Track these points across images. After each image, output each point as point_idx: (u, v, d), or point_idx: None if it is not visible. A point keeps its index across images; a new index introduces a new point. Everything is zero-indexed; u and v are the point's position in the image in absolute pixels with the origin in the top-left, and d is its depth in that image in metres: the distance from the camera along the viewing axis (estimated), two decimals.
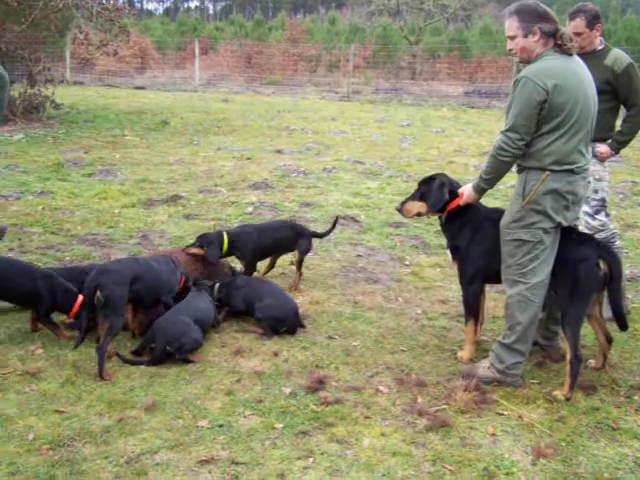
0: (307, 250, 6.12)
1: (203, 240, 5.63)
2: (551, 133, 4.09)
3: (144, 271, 4.77)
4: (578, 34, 5.22)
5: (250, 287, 5.34)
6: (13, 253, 6.57)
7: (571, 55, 4.18)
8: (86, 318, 4.53)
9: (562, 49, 4.14)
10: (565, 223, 4.24)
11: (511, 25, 4.21)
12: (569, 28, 5.25)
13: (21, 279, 4.85)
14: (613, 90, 5.32)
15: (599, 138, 5.29)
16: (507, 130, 4.11)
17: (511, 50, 4.29)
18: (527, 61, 4.23)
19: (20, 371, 4.38)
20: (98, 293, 4.39)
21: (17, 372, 4.38)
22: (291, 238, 6.03)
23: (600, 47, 5.40)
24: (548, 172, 4.11)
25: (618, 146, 5.44)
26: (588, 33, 5.32)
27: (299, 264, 6.07)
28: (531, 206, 4.17)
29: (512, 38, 4.22)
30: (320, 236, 6.45)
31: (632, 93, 5.31)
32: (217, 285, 5.35)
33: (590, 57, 5.13)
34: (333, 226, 6.37)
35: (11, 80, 6.24)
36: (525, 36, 4.16)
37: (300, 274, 6.08)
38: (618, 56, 5.33)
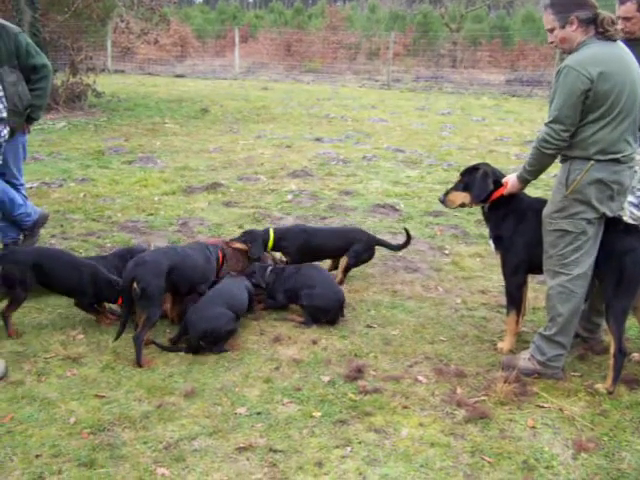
0: (355, 257, 5.84)
1: (248, 236, 5.62)
2: (596, 122, 3.99)
3: (181, 260, 4.76)
4: (628, 19, 5.06)
5: (299, 274, 5.25)
6: (55, 239, 6.66)
7: (615, 41, 4.07)
8: (126, 310, 4.54)
9: (604, 35, 4.03)
10: (610, 214, 4.14)
11: (547, 18, 4.11)
12: (619, 12, 5.10)
13: (67, 272, 4.88)
14: None
15: None
16: (551, 121, 4.03)
17: (552, 42, 4.19)
18: (570, 51, 4.13)
19: (62, 356, 4.43)
20: (135, 285, 4.40)
21: (59, 357, 4.43)
22: (341, 247, 5.86)
23: None
24: (593, 162, 4.02)
25: None
26: (639, 17, 5.15)
27: (342, 268, 5.87)
28: (574, 196, 4.09)
29: (551, 31, 4.12)
30: (393, 248, 6.20)
31: None
32: (269, 269, 5.31)
33: (636, 44, 5.00)
34: (407, 239, 6.13)
35: (54, 69, 6.30)
36: (563, 27, 4.05)
37: (341, 278, 5.86)
38: None
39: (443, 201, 4.94)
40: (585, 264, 4.17)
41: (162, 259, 4.64)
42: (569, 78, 3.94)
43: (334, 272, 5.90)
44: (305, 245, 5.79)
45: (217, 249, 5.23)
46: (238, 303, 4.84)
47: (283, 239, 5.76)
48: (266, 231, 5.76)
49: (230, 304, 4.72)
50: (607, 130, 3.98)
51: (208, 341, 4.52)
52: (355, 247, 5.83)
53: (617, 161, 4.02)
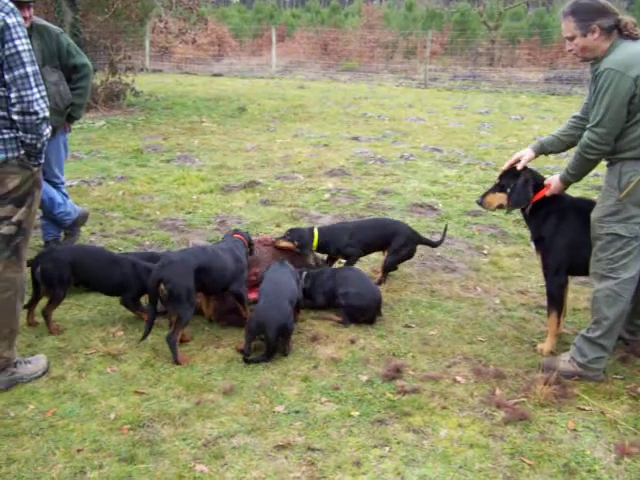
0: (396, 252, 5.81)
1: (294, 234, 5.62)
2: None
3: (210, 260, 4.65)
4: None
5: (336, 276, 5.25)
6: (95, 237, 6.74)
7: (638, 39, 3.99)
8: (152, 312, 4.51)
9: (630, 37, 3.96)
10: None
11: (568, 26, 4.05)
12: None
13: (107, 268, 4.92)
14: None
15: None
16: (594, 125, 3.96)
17: (571, 51, 4.13)
18: (592, 59, 4.06)
19: (102, 352, 4.48)
20: (162, 287, 4.38)
21: (99, 353, 4.48)
22: (382, 238, 5.86)
23: None
24: None
25: None
26: None
27: (383, 265, 5.85)
28: (630, 199, 3.99)
29: (571, 39, 4.07)
30: (432, 244, 6.16)
31: None
32: (304, 274, 5.30)
33: None
34: (443, 235, 6.15)
35: (94, 69, 6.37)
36: (584, 35, 3.99)
37: (382, 275, 5.85)
38: None
39: (481, 203, 4.89)
40: (634, 269, 4.09)
41: (190, 259, 4.55)
42: (612, 80, 3.86)
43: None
44: (350, 242, 5.77)
45: (242, 243, 5.13)
46: (296, 296, 4.83)
47: (328, 237, 5.77)
48: (311, 230, 5.77)
49: (290, 298, 4.70)
50: None
51: (286, 335, 4.49)
52: (394, 240, 5.80)
53: None
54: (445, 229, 6.17)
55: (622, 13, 4.04)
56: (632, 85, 3.82)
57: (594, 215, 4.20)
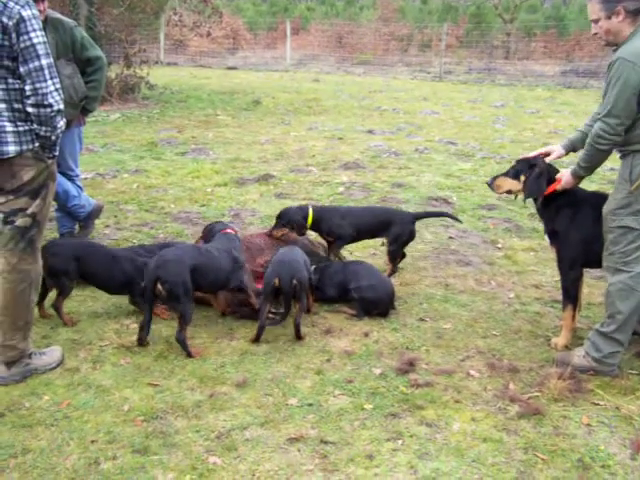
0: (396, 239, 5.76)
1: (285, 219, 5.58)
2: None
3: (204, 262, 4.59)
4: None
5: (346, 270, 5.25)
6: (109, 230, 6.76)
7: None
8: (148, 311, 4.45)
9: None
10: None
11: (593, 8, 4.01)
12: None
13: (110, 265, 4.91)
14: None
15: None
16: (605, 115, 3.94)
17: (596, 34, 4.09)
18: (614, 44, 4.02)
19: (116, 344, 4.50)
20: (159, 287, 4.34)
21: (113, 345, 4.50)
22: (377, 225, 5.82)
23: None
24: None
25: None
26: None
27: (388, 255, 5.80)
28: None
29: (596, 21, 4.03)
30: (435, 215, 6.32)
31: None
32: (312, 267, 5.26)
33: None
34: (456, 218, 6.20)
35: (108, 62, 6.38)
36: (608, 17, 3.95)
37: (392, 266, 5.79)
38: None
39: (490, 184, 4.89)
40: None
41: (184, 257, 4.48)
42: (623, 70, 3.84)
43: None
44: (348, 225, 5.74)
45: (237, 238, 5.09)
46: (308, 264, 4.95)
47: (322, 217, 5.72)
48: (302, 207, 5.73)
49: (303, 258, 4.88)
50: None
51: (299, 289, 4.65)
52: (392, 228, 5.76)
53: None
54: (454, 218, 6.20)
55: None
56: None
57: (606, 208, 4.17)
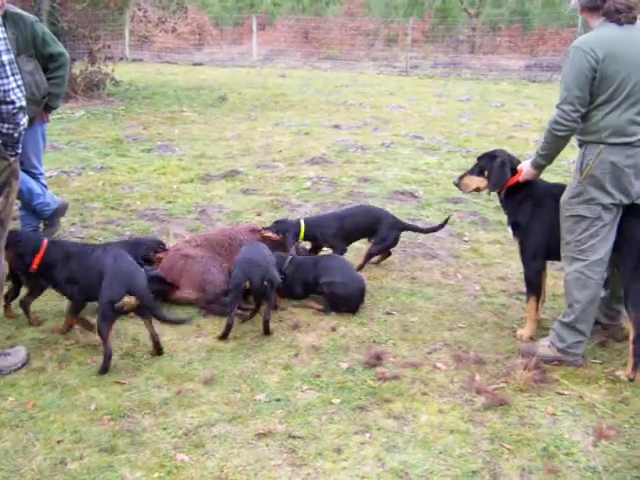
0: (382, 241, 5.83)
1: (281, 226, 5.62)
2: (605, 105, 3.99)
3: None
4: None
5: (318, 266, 5.24)
6: (75, 228, 6.70)
7: (632, 24, 4.02)
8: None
9: (612, 21, 4.00)
10: (626, 200, 4.10)
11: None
12: None
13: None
14: None
15: None
16: (561, 103, 4.04)
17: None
18: None
19: (82, 343, 4.46)
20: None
21: (79, 344, 4.46)
22: (368, 226, 5.87)
23: None
24: (603, 145, 4.01)
25: None
26: None
27: (367, 253, 5.85)
28: (589, 181, 4.07)
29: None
30: (426, 231, 6.18)
31: None
32: (289, 258, 5.29)
33: None
34: (444, 223, 6.11)
35: (72, 58, 6.32)
36: (578, 9, 4.16)
37: (363, 262, 5.84)
38: None
39: (458, 184, 4.95)
40: (602, 250, 4.15)
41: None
42: (576, 58, 3.97)
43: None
44: (338, 232, 5.77)
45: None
46: (275, 261, 4.94)
47: (315, 230, 5.75)
48: (298, 222, 5.76)
49: (270, 256, 4.91)
50: (616, 113, 3.97)
51: (269, 287, 4.64)
52: (381, 230, 5.81)
53: (630, 145, 3.99)
54: (446, 220, 6.14)
55: None
56: (594, 64, 3.91)
57: (562, 198, 4.28)
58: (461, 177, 4.93)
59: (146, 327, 4.32)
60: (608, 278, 4.73)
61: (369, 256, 5.86)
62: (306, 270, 5.23)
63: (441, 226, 6.07)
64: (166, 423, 3.63)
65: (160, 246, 5.45)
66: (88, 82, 15.42)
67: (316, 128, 12.47)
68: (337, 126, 12.72)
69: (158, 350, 4.33)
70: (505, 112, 14.95)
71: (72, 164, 9.26)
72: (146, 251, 5.24)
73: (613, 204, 4.08)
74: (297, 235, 5.66)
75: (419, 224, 6.61)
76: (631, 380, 4.11)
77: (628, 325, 4.26)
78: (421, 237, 6.48)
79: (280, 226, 5.63)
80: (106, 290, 4.13)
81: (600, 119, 4.00)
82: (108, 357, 4.10)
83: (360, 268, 5.76)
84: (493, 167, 4.65)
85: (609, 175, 4.02)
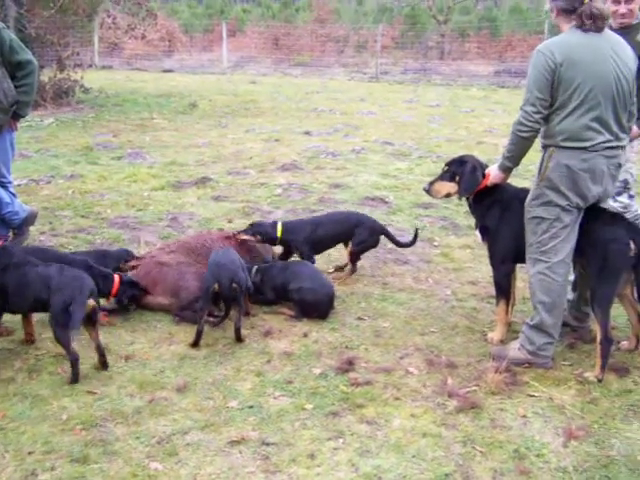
0: (362, 243, 5.81)
1: (257, 228, 5.63)
2: (561, 109, 4.07)
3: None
4: (629, 1, 5.02)
5: (287, 271, 5.25)
6: (44, 237, 6.64)
7: (599, 31, 4.08)
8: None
9: (581, 27, 4.06)
10: (582, 203, 4.17)
11: (549, 4, 4.30)
12: None
13: None
14: None
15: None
16: (524, 104, 4.13)
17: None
18: None
19: (53, 353, 4.43)
20: None
21: (50, 354, 4.43)
22: (346, 231, 5.84)
23: (635, 21, 5.13)
24: (553, 148, 4.11)
25: None
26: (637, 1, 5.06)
27: (350, 254, 5.83)
28: (545, 183, 4.17)
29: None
30: (401, 245, 6.11)
31: None
32: (254, 268, 5.28)
33: (625, 32, 5.00)
34: (415, 238, 6.05)
35: (40, 65, 6.28)
36: (552, 12, 4.22)
37: (351, 269, 5.86)
38: None
39: (428, 190, 4.98)
40: (563, 251, 4.22)
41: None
42: (537, 60, 4.07)
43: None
44: (311, 236, 5.77)
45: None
46: (245, 268, 4.94)
47: (291, 232, 5.75)
48: (274, 223, 5.76)
49: (240, 260, 4.92)
50: (571, 118, 4.05)
51: (238, 290, 4.66)
52: (359, 231, 5.79)
53: (585, 149, 4.06)
54: (416, 231, 6.09)
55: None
56: (552, 67, 3.99)
57: (526, 201, 4.33)
58: (431, 183, 4.96)
59: (91, 338, 4.24)
60: (576, 280, 4.81)
61: (353, 255, 5.83)
62: (275, 275, 5.24)
63: (414, 241, 6.05)
64: (139, 432, 3.62)
65: (129, 255, 5.44)
66: (57, 89, 15.29)
67: (287, 135, 12.48)
68: (308, 132, 12.75)
69: (103, 363, 4.22)
70: (475, 117, 15.08)
71: (41, 172, 9.17)
72: (115, 262, 5.23)
73: (570, 206, 4.15)
74: (275, 237, 5.66)
75: (391, 229, 6.63)
76: (599, 381, 4.17)
77: (595, 327, 4.32)
78: (392, 243, 6.50)
79: (256, 228, 5.63)
80: (57, 297, 4.07)
81: (557, 123, 4.09)
82: (75, 362, 4.06)
83: (353, 271, 5.83)
84: (464, 172, 4.69)
85: (565, 178, 4.10)
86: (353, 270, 5.87)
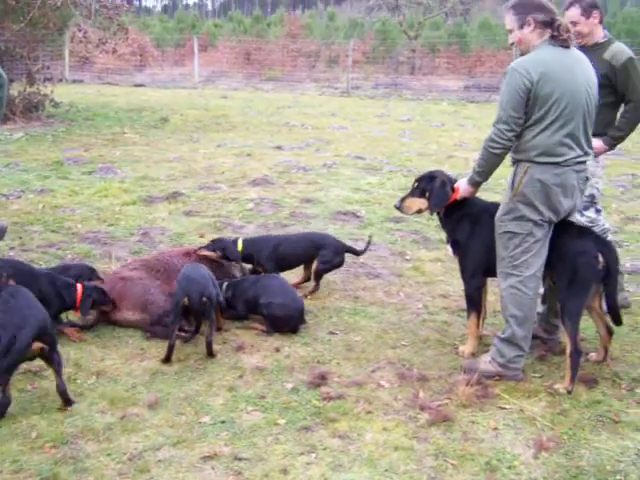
0: (328, 262, 5.84)
1: (218, 244, 5.63)
2: (536, 125, 4.11)
3: None
4: (574, 23, 5.17)
5: (257, 285, 5.25)
6: (14, 252, 6.58)
7: (568, 47, 4.17)
8: None
9: (558, 40, 4.13)
10: (555, 218, 4.24)
11: (509, 19, 4.27)
12: (565, 18, 5.23)
13: (28, 283, 4.55)
14: (611, 85, 5.20)
15: (596, 133, 5.26)
16: (496, 122, 4.15)
17: (512, 44, 4.33)
18: (527, 53, 4.24)
19: (22, 369, 4.36)
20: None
21: (19, 370, 4.35)
22: (309, 252, 5.87)
23: (602, 40, 5.28)
24: (528, 164, 4.15)
25: (613, 142, 5.32)
26: (585, 22, 5.20)
27: (314, 272, 5.84)
28: (519, 198, 4.20)
29: (511, 31, 4.28)
30: (356, 253, 6.13)
31: (629, 89, 5.17)
32: (224, 284, 5.28)
33: (591, 50, 5.10)
34: (367, 245, 6.11)
35: (10, 79, 6.24)
36: (521, 27, 4.20)
37: (316, 284, 5.84)
38: (618, 50, 5.20)
39: (399, 207, 5.00)
40: (535, 265, 4.27)
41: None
42: (512, 79, 4.08)
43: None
44: (274, 253, 5.79)
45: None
46: (215, 282, 4.93)
47: (252, 249, 5.77)
48: (235, 240, 5.77)
49: (210, 274, 4.90)
50: (546, 134, 4.10)
51: (209, 304, 4.65)
52: (324, 252, 5.81)
53: (558, 164, 4.12)
54: (369, 239, 6.17)
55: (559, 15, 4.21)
56: (528, 85, 4.02)
57: (496, 215, 4.38)
58: (402, 200, 4.99)
59: (54, 374, 3.98)
60: (545, 293, 4.86)
61: (317, 275, 5.84)
62: (246, 289, 5.24)
63: (368, 244, 6.10)
64: (110, 449, 3.59)
65: (92, 272, 5.37)
66: (27, 103, 15.18)
67: (258, 149, 12.50)
68: (279, 147, 12.78)
69: (65, 400, 3.97)
70: (445, 132, 15.21)
71: (11, 187, 9.10)
72: (75, 277, 5.17)
73: (543, 221, 4.20)
74: (236, 253, 5.66)
75: (362, 244, 6.66)
76: (569, 392, 4.21)
77: (565, 339, 4.37)
78: (363, 257, 6.54)
79: (217, 244, 5.64)
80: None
81: (530, 139, 4.13)
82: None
83: (314, 291, 5.80)
84: (434, 188, 4.73)
85: (539, 193, 4.15)
86: (315, 289, 5.84)
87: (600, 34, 5.31)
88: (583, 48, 4.96)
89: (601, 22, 5.31)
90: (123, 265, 5.67)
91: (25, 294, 3.99)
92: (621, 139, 5.36)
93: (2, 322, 3.72)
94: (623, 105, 5.34)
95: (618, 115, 5.39)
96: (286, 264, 5.92)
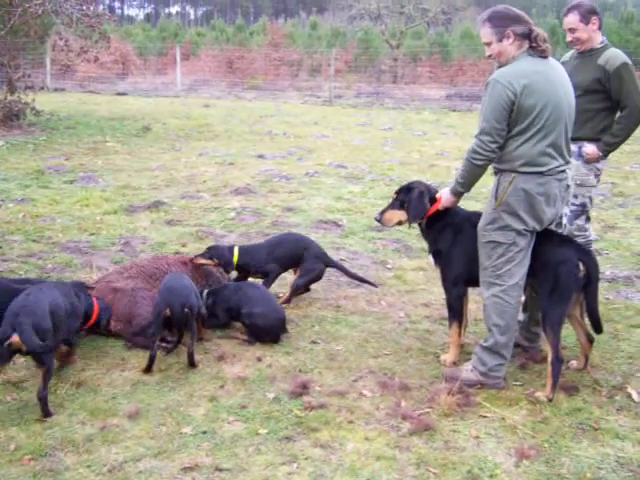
0: (307, 274, 5.84)
1: (214, 252, 5.62)
2: (520, 135, 4.13)
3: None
4: (573, 29, 5.20)
5: (239, 293, 5.23)
6: None
7: (546, 57, 4.21)
8: None
9: (537, 50, 4.16)
10: (539, 227, 4.26)
11: (485, 32, 4.26)
12: (564, 25, 5.28)
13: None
14: (605, 90, 5.23)
15: (590, 138, 5.29)
16: (479, 133, 4.16)
17: (490, 56, 4.33)
18: (506, 65, 4.25)
19: (1, 380, 4.34)
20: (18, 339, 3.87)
21: None
22: (297, 254, 5.88)
23: (598, 45, 5.30)
24: (514, 174, 4.16)
25: (607, 148, 5.33)
26: (584, 28, 5.21)
27: (293, 285, 5.82)
28: (503, 208, 4.22)
29: (488, 45, 4.27)
30: (348, 274, 6.09)
31: (623, 94, 5.18)
32: (205, 292, 5.27)
33: (587, 55, 5.14)
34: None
35: None
36: (500, 40, 4.20)
37: (290, 295, 5.81)
38: (612, 55, 5.22)
39: (380, 220, 4.99)
40: (518, 275, 4.29)
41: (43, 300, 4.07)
42: (495, 91, 4.08)
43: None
44: (269, 258, 5.79)
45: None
46: (197, 292, 4.93)
47: (248, 256, 5.76)
48: (231, 247, 5.76)
49: (191, 284, 4.90)
50: (530, 144, 4.12)
51: (190, 315, 4.64)
52: (306, 259, 5.84)
53: (541, 174, 4.14)
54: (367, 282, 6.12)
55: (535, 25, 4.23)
56: (512, 97, 4.03)
57: (479, 224, 4.39)
58: (382, 212, 4.98)
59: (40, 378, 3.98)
60: (527, 302, 4.88)
61: (295, 289, 5.85)
62: (227, 297, 5.23)
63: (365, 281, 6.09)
64: (90, 460, 3.56)
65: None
66: (7, 112, 15.10)
67: (240, 158, 12.49)
68: (261, 156, 12.78)
69: (44, 408, 3.94)
70: (427, 141, 15.28)
71: None
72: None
73: (526, 230, 4.22)
74: (231, 261, 5.65)
75: (344, 253, 6.67)
76: (550, 400, 4.23)
77: (546, 347, 4.39)
78: (345, 265, 6.52)
79: (213, 252, 5.62)
80: None
81: (514, 149, 4.15)
82: None
83: (287, 302, 5.77)
84: (412, 199, 4.74)
85: (523, 202, 4.17)
86: (288, 300, 5.80)
87: (598, 40, 5.32)
88: (579, 53, 5.01)
89: (600, 28, 5.32)
90: (121, 270, 5.56)
91: None
92: (615, 145, 5.37)
93: None
94: (619, 111, 5.35)
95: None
96: (283, 266, 5.94)
